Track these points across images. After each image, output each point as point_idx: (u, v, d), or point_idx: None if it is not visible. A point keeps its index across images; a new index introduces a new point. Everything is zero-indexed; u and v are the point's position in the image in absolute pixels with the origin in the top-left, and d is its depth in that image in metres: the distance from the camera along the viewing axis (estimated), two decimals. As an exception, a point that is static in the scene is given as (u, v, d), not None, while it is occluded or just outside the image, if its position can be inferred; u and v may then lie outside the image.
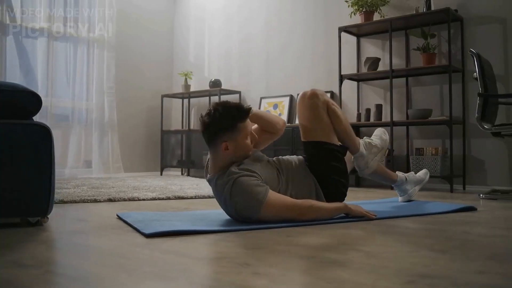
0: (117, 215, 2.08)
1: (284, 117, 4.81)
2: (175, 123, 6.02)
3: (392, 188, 3.22)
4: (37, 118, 1.84)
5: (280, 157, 2.09)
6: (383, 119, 3.97)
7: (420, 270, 1.14)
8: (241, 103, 1.90)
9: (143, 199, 2.84)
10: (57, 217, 2.13)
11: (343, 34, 4.17)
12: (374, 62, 3.97)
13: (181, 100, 5.88)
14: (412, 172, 2.66)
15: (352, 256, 1.30)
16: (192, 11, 5.96)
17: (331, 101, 2.13)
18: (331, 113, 2.08)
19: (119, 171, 5.23)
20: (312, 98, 2.06)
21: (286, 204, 1.80)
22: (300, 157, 2.13)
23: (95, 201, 2.73)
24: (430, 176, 3.47)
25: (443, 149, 3.67)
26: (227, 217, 1.94)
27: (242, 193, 1.76)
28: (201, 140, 5.40)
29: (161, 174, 5.63)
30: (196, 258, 1.33)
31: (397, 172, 2.55)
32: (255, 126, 2.03)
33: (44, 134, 1.82)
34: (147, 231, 1.65)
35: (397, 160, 3.99)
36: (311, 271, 1.18)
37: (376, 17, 4.06)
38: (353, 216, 1.91)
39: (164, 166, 5.69)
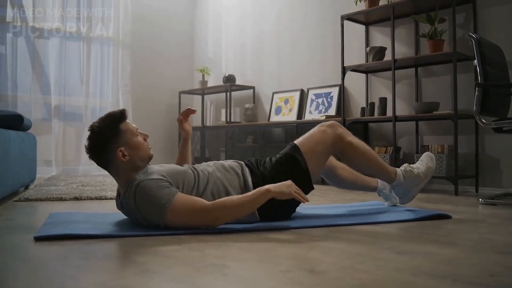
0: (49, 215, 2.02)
1: (294, 111, 4.59)
2: (196, 120, 5.97)
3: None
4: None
5: None
6: (389, 114, 3.63)
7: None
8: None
9: (111, 198, 2.78)
10: (-9, 216, 2.11)
11: (350, 23, 3.87)
12: (379, 51, 3.63)
13: (201, 96, 5.81)
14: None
15: (212, 278, 1.11)
16: (210, 6, 5.87)
17: (347, 134, 2.00)
18: (346, 145, 1.96)
19: (134, 169, 5.25)
20: (325, 125, 1.99)
21: (194, 210, 1.62)
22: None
23: (61, 199, 2.70)
24: (434, 177, 3.12)
25: (451, 146, 3.28)
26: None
27: (145, 198, 1.62)
28: (216, 136, 5.31)
29: (178, 171, 5.61)
30: (42, 268, 1.20)
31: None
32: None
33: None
34: (37, 234, 1.56)
35: (406, 158, 3.63)
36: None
37: (383, 2, 3.71)
38: (282, 198, 1.64)
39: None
